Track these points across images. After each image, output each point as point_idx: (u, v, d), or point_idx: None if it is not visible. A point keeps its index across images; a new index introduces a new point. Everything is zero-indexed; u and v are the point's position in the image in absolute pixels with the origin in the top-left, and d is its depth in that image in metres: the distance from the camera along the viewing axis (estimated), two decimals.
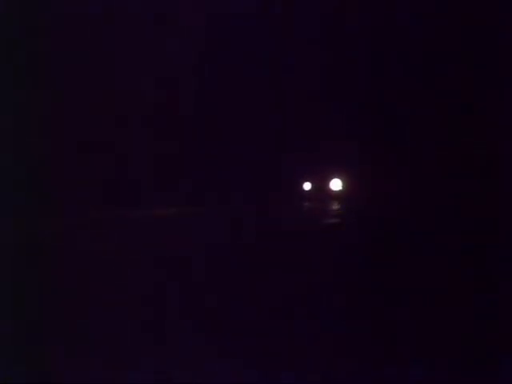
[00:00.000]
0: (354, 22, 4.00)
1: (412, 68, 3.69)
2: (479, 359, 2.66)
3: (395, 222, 4.51)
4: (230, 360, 2.71)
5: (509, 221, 3.36)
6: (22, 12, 3.79)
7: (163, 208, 5.42)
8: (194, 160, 4.84)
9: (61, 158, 3.74)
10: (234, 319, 3.04)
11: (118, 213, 4.42)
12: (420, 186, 4.58)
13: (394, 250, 3.80)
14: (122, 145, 3.73)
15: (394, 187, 5.74)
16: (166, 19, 4.42)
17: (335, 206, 7.81)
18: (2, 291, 3.17)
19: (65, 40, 3.49)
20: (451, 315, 2.98)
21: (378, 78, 3.64)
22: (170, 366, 2.63)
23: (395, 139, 4.44)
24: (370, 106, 4.51)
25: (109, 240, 3.63)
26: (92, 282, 3.33)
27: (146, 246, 3.95)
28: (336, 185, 7.80)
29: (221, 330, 2.93)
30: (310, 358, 2.76)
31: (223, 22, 4.72)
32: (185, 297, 3.33)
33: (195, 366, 2.66)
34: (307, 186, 8.86)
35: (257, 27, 4.89)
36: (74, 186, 3.94)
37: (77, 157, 4.01)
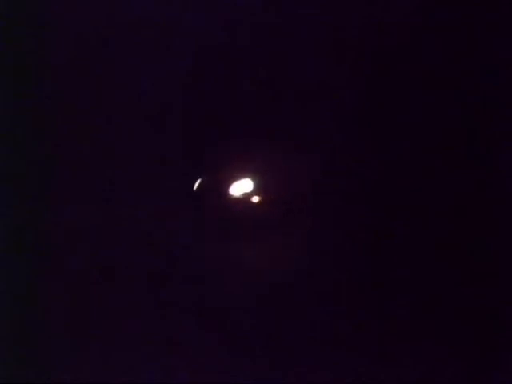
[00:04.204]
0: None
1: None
2: (479, 359, 2.67)
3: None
4: (228, 360, 2.72)
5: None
6: (21, 12, 3.77)
7: None
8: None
9: (60, 157, 3.72)
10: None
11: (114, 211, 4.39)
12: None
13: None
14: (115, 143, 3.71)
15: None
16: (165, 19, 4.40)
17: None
18: (1, 291, 3.17)
19: (64, 40, 3.48)
20: (451, 314, 2.99)
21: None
22: (171, 366, 2.65)
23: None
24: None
25: (109, 239, 3.63)
26: (92, 281, 3.32)
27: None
28: (240, 188, 3.62)
29: (216, 330, 2.94)
30: (308, 357, 2.78)
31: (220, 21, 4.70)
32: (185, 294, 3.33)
33: (195, 366, 2.67)
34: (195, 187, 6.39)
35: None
36: (73, 185, 3.92)
37: (75, 156, 3.99)
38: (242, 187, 3.13)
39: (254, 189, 3.08)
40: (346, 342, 2.81)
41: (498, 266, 3.03)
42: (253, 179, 3.13)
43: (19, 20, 3.06)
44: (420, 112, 3.11)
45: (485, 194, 3.05)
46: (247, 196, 3.11)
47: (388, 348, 2.79)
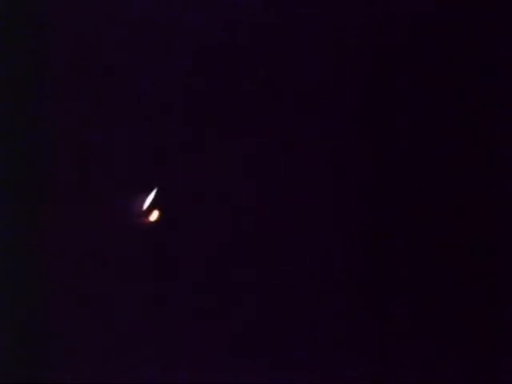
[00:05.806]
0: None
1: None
2: (479, 359, 2.67)
3: None
4: (228, 360, 2.72)
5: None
6: (21, 12, 3.76)
7: None
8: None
9: (60, 157, 3.71)
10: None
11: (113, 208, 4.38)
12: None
13: None
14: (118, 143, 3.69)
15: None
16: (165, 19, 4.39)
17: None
18: (1, 291, 3.17)
19: (65, 40, 3.47)
20: (450, 314, 2.99)
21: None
22: (171, 366, 2.64)
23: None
24: None
25: (109, 237, 3.62)
26: (92, 281, 3.32)
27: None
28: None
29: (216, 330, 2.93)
30: (308, 357, 2.77)
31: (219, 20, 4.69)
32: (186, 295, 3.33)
33: (195, 366, 2.66)
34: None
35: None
36: (72, 184, 3.91)
37: (75, 156, 3.98)
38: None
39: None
40: (345, 342, 2.81)
41: (498, 266, 3.03)
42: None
43: (19, 20, 3.06)
44: (420, 112, 3.11)
45: (485, 194, 3.04)
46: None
47: (388, 348, 2.79)
